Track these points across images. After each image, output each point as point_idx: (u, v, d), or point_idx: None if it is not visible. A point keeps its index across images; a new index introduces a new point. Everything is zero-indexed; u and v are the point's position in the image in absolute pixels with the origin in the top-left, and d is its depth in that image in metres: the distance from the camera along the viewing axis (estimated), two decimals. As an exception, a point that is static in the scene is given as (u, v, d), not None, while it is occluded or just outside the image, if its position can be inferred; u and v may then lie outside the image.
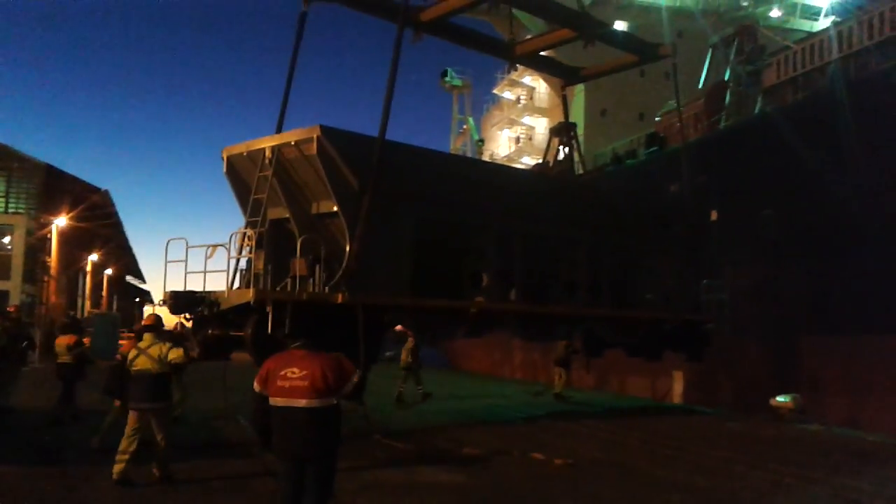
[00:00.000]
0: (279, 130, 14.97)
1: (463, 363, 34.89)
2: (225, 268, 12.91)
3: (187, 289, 12.77)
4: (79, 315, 49.42)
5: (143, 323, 9.23)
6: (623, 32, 19.14)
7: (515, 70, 43.02)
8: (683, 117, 21.10)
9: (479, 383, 24.86)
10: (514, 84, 49.67)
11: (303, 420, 5.44)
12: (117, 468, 8.39)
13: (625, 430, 14.36)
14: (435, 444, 11.90)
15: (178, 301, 12.61)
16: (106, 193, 41.42)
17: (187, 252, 12.65)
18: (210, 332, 12.63)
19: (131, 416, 8.59)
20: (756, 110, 24.00)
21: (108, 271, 56.88)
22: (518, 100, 49.89)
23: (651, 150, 27.97)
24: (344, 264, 12.24)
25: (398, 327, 16.42)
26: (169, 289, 12.84)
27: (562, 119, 33.32)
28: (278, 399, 5.52)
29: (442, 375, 25.81)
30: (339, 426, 5.67)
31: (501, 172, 20.21)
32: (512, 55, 18.88)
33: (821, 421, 15.42)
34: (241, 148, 13.67)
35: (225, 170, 14.18)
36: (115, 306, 60.70)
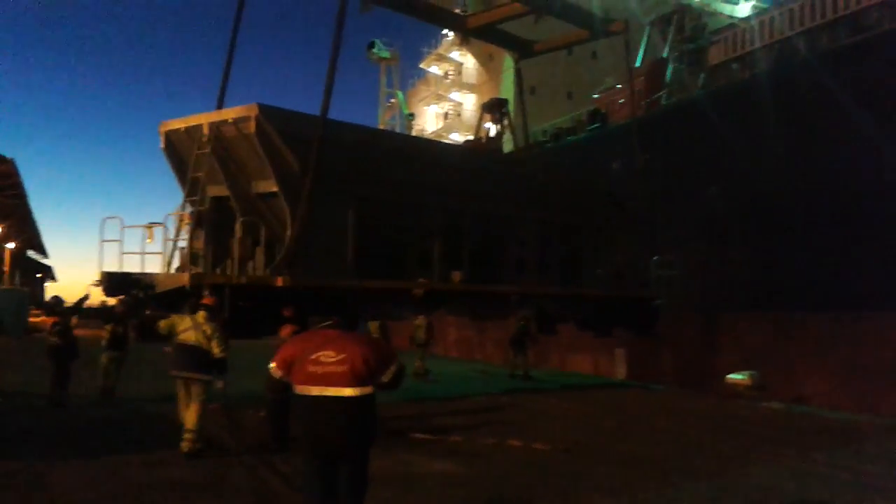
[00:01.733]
0: (220, 106, 14.55)
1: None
2: (163, 248, 12.58)
3: (123, 270, 12.27)
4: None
5: (202, 301, 9.46)
6: (575, 7, 18.93)
7: (466, 43, 42.20)
8: (623, 95, 21.09)
9: (411, 360, 24.25)
10: (442, 59, 49.12)
11: (339, 411, 4.68)
12: (182, 443, 8.74)
13: (591, 408, 14.23)
14: (407, 426, 11.35)
15: (112, 283, 12.16)
16: (11, 163, 38.79)
17: (123, 232, 12.25)
18: (147, 313, 12.08)
19: (178, 385, 8.99)
20: (699, 88, 24.31)
21: (10, 245, 53.58)
22: (446, 75, 49.34)
23: (593, 126, 27.97)
24: (285, 246, 11.98)
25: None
26: (105, 269, 12.24)
27: (493, 95, 33.21)
28: (309, 387, 4.73)
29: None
30: (376, 418, 4.95)
31: (448, 151, 19.87)
32: (465, 27, 18.54)
33: (771, 398, 15.66)
34: (178, 124, 13.26)
35: (163, 145, 13.68)
36: (17, 282, 57.36)
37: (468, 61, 47.29)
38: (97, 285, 12.42)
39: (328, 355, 4.77)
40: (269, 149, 11.94)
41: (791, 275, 17.84)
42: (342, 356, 4.75)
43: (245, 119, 11.95)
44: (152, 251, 12.34)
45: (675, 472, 8.85)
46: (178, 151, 13.47)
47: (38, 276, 67.85)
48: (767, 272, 18.67)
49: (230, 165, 12.81)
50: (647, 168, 18.32)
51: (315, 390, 4.73)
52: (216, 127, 12.48)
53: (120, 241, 12.14)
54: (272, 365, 4.97)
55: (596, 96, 32.90)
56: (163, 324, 9.16)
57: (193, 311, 9.39)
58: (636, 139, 18.35)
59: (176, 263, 13.08)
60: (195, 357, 8.88)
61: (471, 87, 47.12)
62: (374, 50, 49.74)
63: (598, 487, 8.01)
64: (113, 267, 12.23)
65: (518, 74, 20.78)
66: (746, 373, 16.14)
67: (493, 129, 20.67)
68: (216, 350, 8.85)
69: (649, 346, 19.56)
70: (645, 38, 30.80)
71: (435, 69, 50.31)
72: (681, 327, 19.11)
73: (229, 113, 12.53)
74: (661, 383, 18.78)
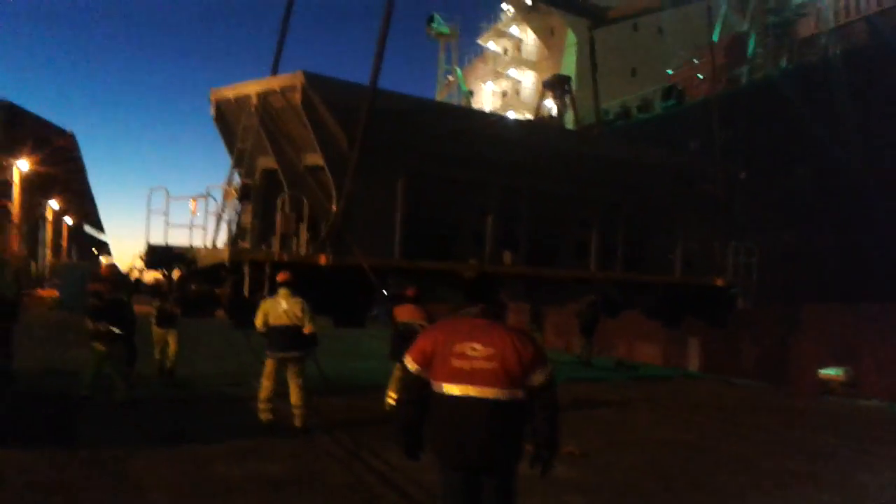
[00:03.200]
0: (275, 72, 14.00)
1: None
2: (213, 221, 12.26)
3: (168, 243, 11.90)
4: (39, 264, 47.23)
5: (279, 279, 9.24)
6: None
7: (534, 10, 40.94)
8: (702, 70, 19.71)
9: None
10: (501, 35, 47.85)
11: (486, 416, 3.89)
12: (263, 416, 8.90)
13: (678, 403, 13.17)
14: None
15: (153, 256, 11.75)
16: (71, 136, 39.02)
17: (168, 203, 11.87)
18: (193, 287, 11.70)
19: (269, 364, 8.95)
20: (783, 63, 22.76)
21: (68, 219, 54.40)
22: (505, 51, 48.03)
23: (668, 102, 26.45)
24: (330, 223, 11.43)
25: None
26: (151, 241, 11.91)
27: (553, 72, 31.94)
28: (451, 386, 3.94)
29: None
30: (524, 426, 4.06)
31: (505, 124, 18.74)
32: (535, -7, 17.47)
33: (868, 395, 14.39)
34: (228, 92, 12.87)
35: (213, 114, 13.30)
36: (74, 256, 58.40)
37: (528, 37, 45.89)
38: (142, 258, 12.02)
39: (475, 348, 3.95)
40: (315, 119, 11.39)
41: (885, 263, 16.41)
42: (491, 350, 3.93)
43: (291, 88, 11.42)
44: (200, 224, 11.96)
45: (797, 478, 8.04)
46: (229, 121, 13.09)
47: (93, 250, 69.00)
48: (858, 260, 17.22)
49: (278, 137, 12.36)
50: (728, 147, 16.96)
51: (458, 389, 3.92)
52: (264, 96, 12.03)
53: (165, 213, 11.80)
54: (407, 358, 4.14)
55: (671, 72, 31.29)
56: (258, 322, 9.00)
57: (273, 292, 9.31)
58: (716, 116, 16.96)
59: (223, 237, 12.71)
60: (289, 336, 8.89)
61: (530, 64, 45.74)
62: (434, 25, 48.64)
63: (719, 495, 7.29)
64: (160, 239, 11.88)
65: (591, 45, 19.58)
66: (840, 368, 14.89)
67: (554, 107, 19.70)
68: (309, 326, 8.90)
69: (726, 336, 18.31)
70: (722, 12, 29.06)
71: (493, 45, 49.00)
72: (762, 318, 17.76)
73: (276, 82, 12.11)
74: (737, 376, 17.53)
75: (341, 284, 11.44)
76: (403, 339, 9.88)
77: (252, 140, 12.12)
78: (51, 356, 13.93)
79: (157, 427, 8.88)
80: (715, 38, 28.36)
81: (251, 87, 12.31)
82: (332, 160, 11.55)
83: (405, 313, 10.22)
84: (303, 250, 11.45)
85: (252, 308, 10.66)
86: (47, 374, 12.09)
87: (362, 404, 10.75)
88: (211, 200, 12.01)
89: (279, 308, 8.89)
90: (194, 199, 11.78)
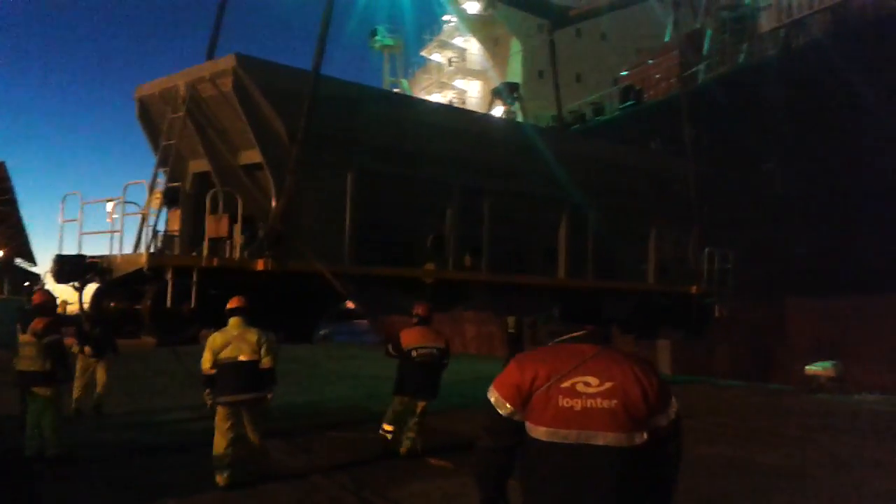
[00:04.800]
0: (210, 59, 12.55)
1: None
2: (136, 228, 10.71)
3: (83, 253, 10.25)
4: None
5: (229, 305, 7.66)
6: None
7: (492, 7, 40.28)
8: (659, 70, 19.12)
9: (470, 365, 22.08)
10: (445, 46, 47.14)
11: (606, 469, 2.95)
12: (220, 476, 7.24)
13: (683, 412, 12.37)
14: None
15: (62, 267, 10.05)
16: (2, 166, 36.87)
17: (82, 209, 10.37)
18: (112, 304, 10.12)
19: (221, 412, 7.38)
20: (741, 59, 22.33)
21: None
22: (449, 62, 47.32)
23: (626, 104, 25.72)
24: (268, 224, 10.31)
25: None
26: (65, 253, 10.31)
27: (498, 81, 31.15)
28: (561, 431, 2.99)
29: (379, 353, 22.83)
30: (650, 481, 3.07)
31: (466, 118, 17.58)
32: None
33: (859, 390, 13.83)
34: (153, 87, 11.58)
35: (137, 113, 12.01)
36: (5, 291, 55.59)
37: (472, 47, 45.37)
38: (51, 271, 10.44)
39: (588, 382, 3.03)
40: (250, 108, 10.27)
41: (861, 257, 15.84)
42: (609, 384, 3.02)
43: (221, 74, 10.29)
44: (124, 232, 10.30)
45: (861, 494, 7.56)
46: (154, 119, 11.83)
47: (25, 284, 66.00)
48: (832, 255, 16.60)
49: (210, 133, 11.23)
50: (696, 146, 16.20)
51: (569, 436, 2.98)
52: (192, 86, 10.78)
53: (78, 220, 10.30)
54: (494, 395, 3.14)
55: (625, 73, 30.84)
56: (206, 361, 7.44)
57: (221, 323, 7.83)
58: (685, 114, 16.23)
59: (152, 246, 11.16)
60: (244, 374, 7.38)
61: (475, 74, 45.17)
62: (378, 38, 47.59)
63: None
64: (75, 250, 10.32)
65: (551, 46, 18.81)
66: (828, 363, 14.32)
67: (502, 114, 18.88)
68: (267, 360, 7.43)
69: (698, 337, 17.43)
70: (671, 10, 28.76)
71: (437, 56, 48.25)
72: (737, 315, 16.92)
73: (206, 69, 10.85)
74: (712, 376, 16.75)
75: (283, 294, 10.15)
76: (418, 368, 8.64)
77: (179, 136, 10.86)
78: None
79: (129, 481, 7.48)
80: (667, 38, 28.03)
81: (178, 79, 11.09)
82: (271, 154, 10.44)
83: (416, 337, 8.83)
84: (236, 254, 10.11)
85: (177, 321, 9.33)
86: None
87: (350, 437, 9.64)
88: (131, 204, 10.40)
89: (229, 339, 7.46)
90: (111, 201, 10.26)
